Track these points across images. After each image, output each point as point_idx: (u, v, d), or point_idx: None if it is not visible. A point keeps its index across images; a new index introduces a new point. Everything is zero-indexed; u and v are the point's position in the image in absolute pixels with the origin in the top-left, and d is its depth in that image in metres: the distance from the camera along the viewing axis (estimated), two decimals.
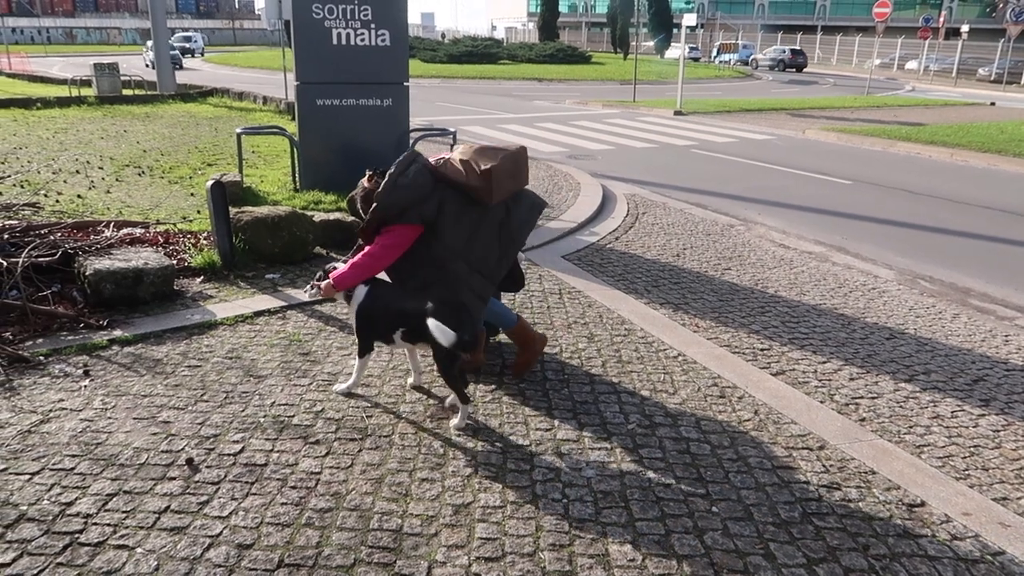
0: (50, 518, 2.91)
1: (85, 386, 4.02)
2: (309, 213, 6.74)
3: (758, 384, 4.30)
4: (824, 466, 3.46)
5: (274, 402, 3.89)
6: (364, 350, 3.93)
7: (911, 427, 3.88)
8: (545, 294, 5.72)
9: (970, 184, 11.60)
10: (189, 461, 3.32)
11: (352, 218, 6.95)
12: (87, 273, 5.06)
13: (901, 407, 4.10)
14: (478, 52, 47.21)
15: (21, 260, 5.09)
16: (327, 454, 3.43)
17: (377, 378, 4.21)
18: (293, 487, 3.17)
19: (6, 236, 5.57)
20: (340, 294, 3.90)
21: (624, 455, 3.50)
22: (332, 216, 6.89)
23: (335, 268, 3.92)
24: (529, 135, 16.02)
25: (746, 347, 4.86)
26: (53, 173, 9.70)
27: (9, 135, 13.09)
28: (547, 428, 3.72)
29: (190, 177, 9.66)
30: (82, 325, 4.78)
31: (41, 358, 4.33)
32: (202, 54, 37.92)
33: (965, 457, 3.61)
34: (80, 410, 3.76)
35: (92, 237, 6.02)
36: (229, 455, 3.39)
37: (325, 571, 2.69)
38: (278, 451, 3.44)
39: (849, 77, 42.01)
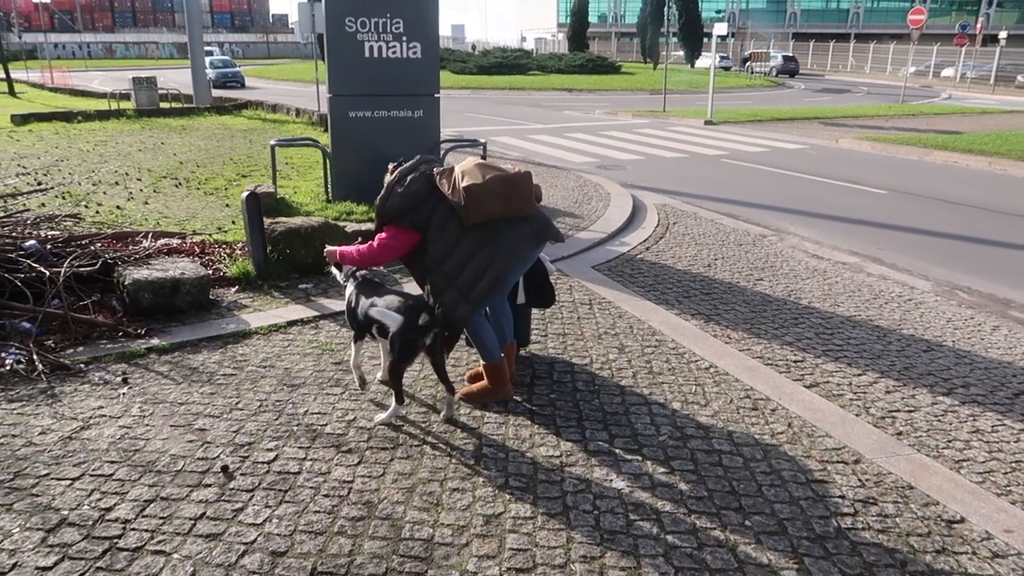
0: (90, 523, 2.97)
1: (124, 393, 4.10)
2: (341, 224, 6.83)
3: (791, 396, 4.25)
4: (860, 480, 3.41)
5: (307, 411, 3.93)
6: (355, 338, 4.10)
7: (950, 441, 3.80)
8: (575, 304, 5.71)
9: (1009, 193, 11.37)
10: (224, 468, 3.37)
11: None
12: (126, 283, 5.17)
13: (939, 421, 4.02)
14: (508, 63, 47.46)
15: (63, 270, 5.22)
16: (359, 463, 3.46)
17: (407, 387, 4.23)
18: (326, 495, 3.20)
19: (49, 246, 5.71)
20: (334, 268, 4.22)
21: (655, 467, 3.48)
22: (364, 226, 6.95)
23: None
24: (559, 145, 16.05)
25: (779, 359, 4.81)
26: (93, 185, 9.93)
27: (52, 148, 13.44)
28: (578, 439, 3.71)
29: (225, 188, 9.83)
30: (121, 334, 4.88)
31: (81, 366, 4.42)
32: (241, 84, 37.27)
33: (1007, 473, 3.53)
34: (119, 417, 3.84)
35: (131, 247, 6.16)
36: (263, 463, 3.44)
37: None
38: (311, 459, 3.48)
39: (883, 85, 41.45)
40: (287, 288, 5.90)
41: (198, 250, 6.56)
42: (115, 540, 2.87)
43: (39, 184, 9.81)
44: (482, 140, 9.71)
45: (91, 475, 3.31)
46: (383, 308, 3.78)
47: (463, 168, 3.84)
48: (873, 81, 45.58)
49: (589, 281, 6.32)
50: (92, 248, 5.85)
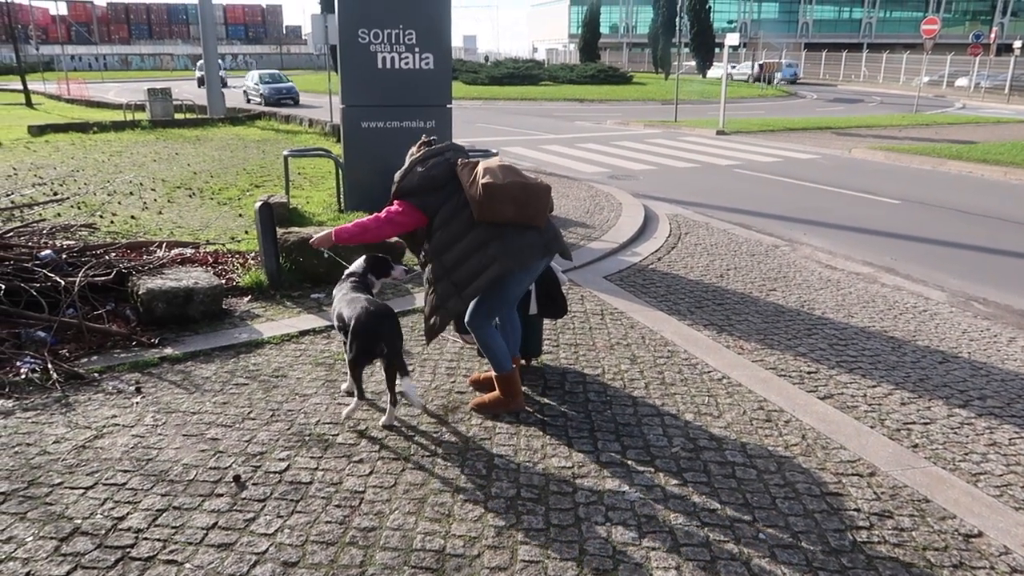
0: (103, 532, 2.98)
1: (137, 403, 4.12)
2: None
3: (805, 408, 4.21)
4: (875, 493, 3.37)
5: (319, 420, 3.93)
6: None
7: (966, 454, 3.76)
8: (587, 315, 5.70)
9: None
10: (236, 478, 3.37)
11: (396, 239, 7.04)
12: (140, 292, 5.21)
13: (955, 433, 3.98)
14: (519, 74, 47.64)
15: (78, 279, 5.26)
16: (371, 473, 3.45)
17: (420, 398, 4.23)
18: (337, 506, 3.19)
19: (64, 256, 5.76)
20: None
21: (668, 479, 3.45)
22: None
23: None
24: (571, 156, 16.06)
25: (792, 370, 4.77)
26: (108, 195, 10.02)
27: (68, 158, 13.58)
28: (590, 450, 3.69)
29: (238, 198, 9.89)
30: (134, 343, 4.91)
31: (95, 375, 4.45)
32: (296, 102, 32.05)
33: None
34: (132, 426, 3.85)
35: (145, 257, 6.20)
36: (275, 473, 3.44)
37: None
38: (323, 469, 3.48)
39: (896, 95, 41.29)
40: (299, 298, 5.92)
41: (211, 260, 6.60)
42: (128, 549, 2.88)
43: (55, 194, 9.90)
44: (494, 151, 9.72)
45: (104, 484, 3.32)
46: (348, 306, 3.85)
47: (487, 165, 3.83)
48: (886, 91, 45.42)
49: (601, 291, 6.31)
50: (107, 258, 5.90)
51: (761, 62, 48.41)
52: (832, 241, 8.68)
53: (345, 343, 3.91)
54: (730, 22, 66.62)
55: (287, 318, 5.48)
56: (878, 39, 68.48)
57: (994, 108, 33.73)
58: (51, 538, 2.93)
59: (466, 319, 4.03)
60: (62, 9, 75.95)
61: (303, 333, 5.19)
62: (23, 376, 4.36)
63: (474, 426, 3.93)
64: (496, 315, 4.05)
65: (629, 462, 3.59)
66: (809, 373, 4.73)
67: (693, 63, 53.60)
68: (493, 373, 4.08)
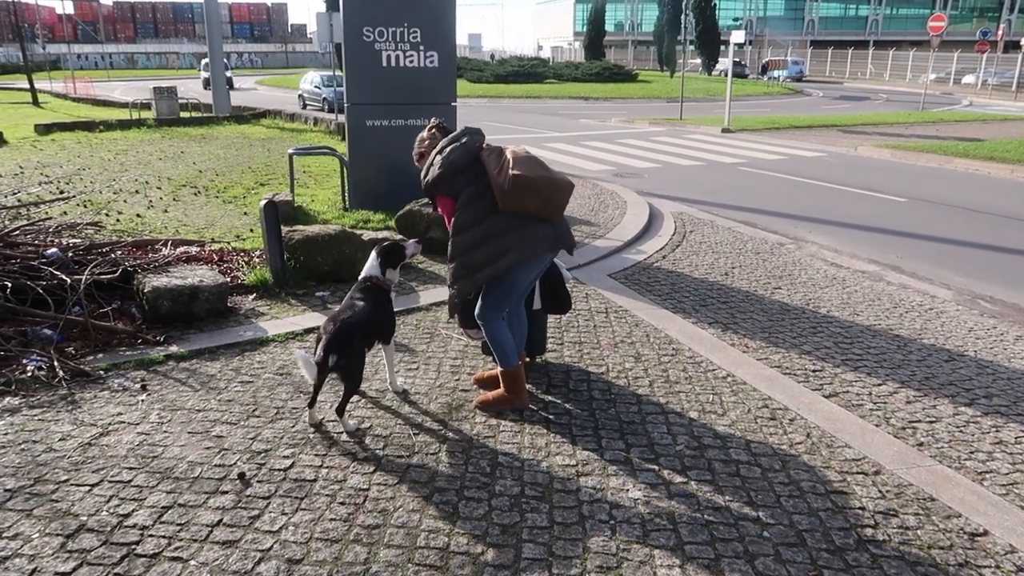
0: (108, 529, 2.99)
1: (142, 400, 4.13)
2: (358, 232, 6.85)
3: (810, 406, 4.20)
4: (880, 492, 3.36)
5: (323, 419, 3.94)
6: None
7: (972, 453, 3.75)
8: (591, 313, 5.70)
9: None
10: (241, 476, 3.38)
11: (400, 236, 7.05)
12: (145, 290, 5.22)
13: (961, 432, 3.97)
14: (524, 72, 47.59)
15: (84, 277, 5.27)
16: (375, 471, 3.46)
17: (424, 395, 4.24)
18: (342, 503, 3.20)
19: (70, 254, 5.78)
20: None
21: (672, 477, 3.45)
22: (381, 234, 6.99)
23: None
24: (575, 153, 16.05)
25: (797, 368, 4.76)
26: (114, 193, 10.05)
27: (74, 157, 13.62)
28: (594, 448, 3.69)
29: (243, 197, 9.91)
30: (140, 341, 4.93)
31: (101, 372, 4.47)
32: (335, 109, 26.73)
33: None
34: (137, 424, 3.87)
35: (150, 255, 6.22)
36: (279, 470, 3.45)
37: None
38: (327, 467, 3.48)
39: (903, 93, 41.15)
40: (304, 296, 5.93)
41: (216, 258, 6.62)
42: (133, 546, 2.89)
43: (61, 192, 9.94)
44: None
45: (110, 481, 3.33)
46: (329, 318, 3.91)
47: (515, 154, 3.84)
48: (893, 88, 45.27)
49: (605, 289, 6.31)
50: (112, 256, 5.92)
51: (765, 60, 48.32)
52: (838, 239, 8.66)
53: None
54: (736, 19, 66.45)
55: (292, 316, 5.49)
56: (884, 36, 68.22)
57: (1001, 105, 33.59)
58: (57, 535, 2.94)
59: (476, 312, 4.03)
60: (68, 8, 76.28)
61: (308, 331, 5.20)
62: (29, 374, 4.38)
63: (478, 424, 3.93)
64: (504, 308, 4.05)
65: (633, 460, 3.59)
66: (814, 371, 4.72)
67: (698, 60, 53.48)
68: (498, 369, 4.09)
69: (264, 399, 4.16)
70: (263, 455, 3.57)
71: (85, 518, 3.06)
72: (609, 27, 63.83)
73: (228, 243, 7.24)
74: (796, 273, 7.05)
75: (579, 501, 3.24)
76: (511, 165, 3.75)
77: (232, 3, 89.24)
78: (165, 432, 3.78)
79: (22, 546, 2.87)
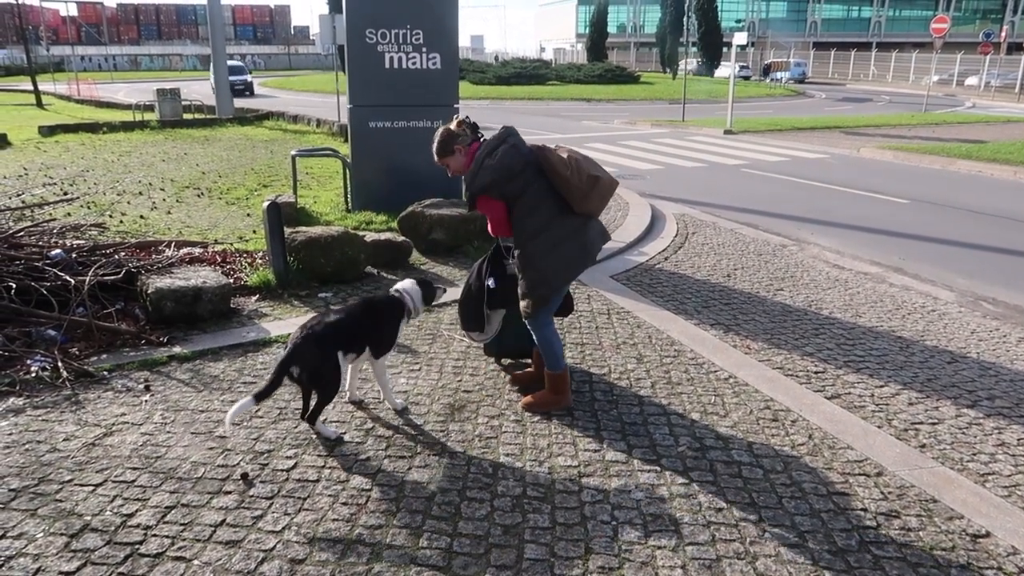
0: (112, 529, 3.00)
1: (146, 401, 4.15)
2: (361, 233, 6.87)
3: (812, 408, 4.21)
4: (882, 493, 3.37)
5: (326, 419, 3.94)
6: None
7: (975, 454, 3.75)
8: (594, 314, 5.70)
9: None
10: (244, 476, 3.39)
11: (403, 238, 7.06)
12: (149, 291, 5.24)
13: (964, 433, 3.97)
14: (527, 73, 47.62)
15: (88, 278, 5.29)
16: (377, 471, 3.47)
17: (427, 396, 4.25)
18: (344, 503, 3.21)
19: (74, 255, 5.80)
20: None
21: (674, 478, 3.46)
22: (383, 236, 7.00)
23: None
24: None
25: (800, 369, 4.76)
26: (118, 194, 10.07)
27: (78, 158, 13.66)
28: (596, 449, 3.70)
29: (246, 198, 9.93)
30: (143, 341, 4.94)
31: (105, 373, 4.48)
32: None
33: None
34: (141, 424, 3.88)
35: (154, 256, 6.24)
36: (282, 471, 3.46)
37: None
38: (330, 467, 3.49)
39: (905, 94, 41.12)
40: (307, 297, 5.94)
41: (219, 259, 6.63)
42: (137, 546, 2.90)
43: (65, 194, 9.96)
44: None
45: (113, 481, 3.34)
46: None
47: (576, 154, 3.85)
48: (895, 90, 45.24)
49: (608, 291, 6.31)
50: (116, 257, 5.94)
51: (768, 62, 48.28)
52: (840, 241, 8.66)
53: None
54: (738, 21, 66.44)
55: (295, 317, 5.50)
56: (887, 38, 68.16)
57: (1004, 107, 33.54)
58: (61, 534, 2.95)
59: (526, 315, 3.99)
60: (72, 10, 76.34)
61: None
62: (33, 374, 4.39)
63: (480, 425, 3.94)
64: (554, 308, 4.09)
65: (635, 461, 3.59)
66: (816, 373, 4.72)
67: (695, 63, 53.46)
68: (545, 370, 4.10)
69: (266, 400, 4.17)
70: (266, 455, 3.59)
71: (89, 518, 3.07)
72: (612, 29, 63.84)
73: (231, 244, 7.26)
74: (798, 275, 7.05)
75: (581, 502, 3.25)
76: (587, 167, 3.79)
77: (235, 5, 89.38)
78: (168, 432, 3.79)
79: (26, 545, 2.88)
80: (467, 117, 4.00)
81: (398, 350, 4.80)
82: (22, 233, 6.32)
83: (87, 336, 4.91)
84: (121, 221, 8.38)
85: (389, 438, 3.78)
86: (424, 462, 3.56)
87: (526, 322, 4.05)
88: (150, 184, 10.96)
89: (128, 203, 9.50)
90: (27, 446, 3.64)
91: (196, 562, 2.82)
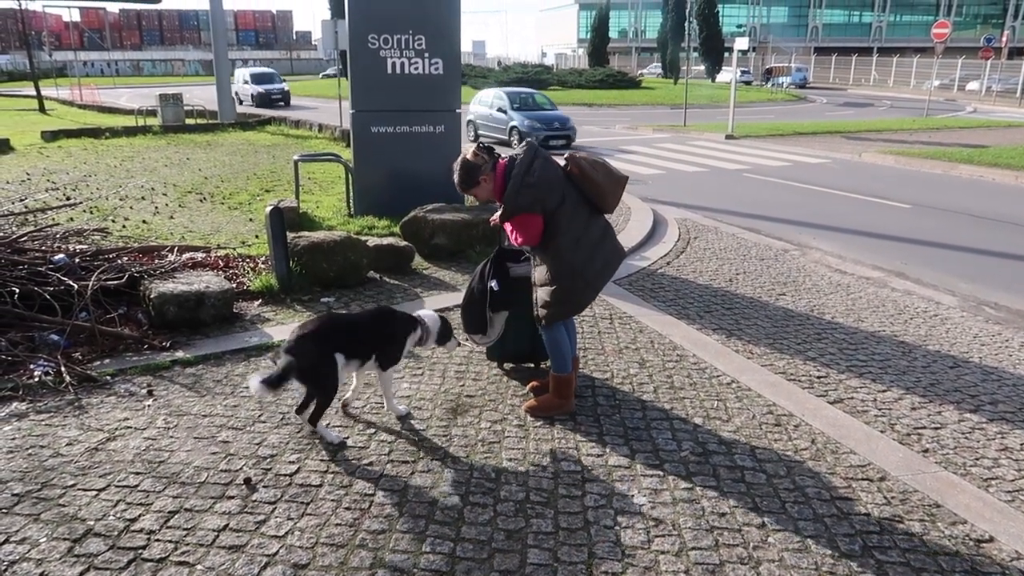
0: (115, 533, 3.00)
1: (149, 405, 4.15)
2: (363, 238, 6.88)
3: (815, 412, 4.20)
4: (886, 498, 3.36)
5: (328, 424, 3.95)
6: None
7: (977, 459, 3.74)
8: (596, 319, 5.71)
9: None
10: (247, 481, 3.40)
11: (405, 243, 7.07)
12: (151, 296, 5.24)
13: (966, 438, 3.96)
14: (528, 78, 47.58)
15: (91, 283, 5.30)
16: (380, 476, 3.47)
17: (429, 401, 4.25)
18: (347, 508, 3.21)
19: (77, 260, 5.81)
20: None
21: (677, 482, 3.45)
22: (385, 241, 7.01)
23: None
24: None
25: (802, 374, 4.76)
26: (120, 199, 10.09)
27: (80, 163, 13.68)
28: (599, 454, 3.70)
29: (249, 203, 9.95)
30: (146, 346, 4.95)
31: (108, 378, 4.49)
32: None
33: None
34: (144, 429, 3.88)
35: (156, 261, 6.25)
36: (285, 475, 3.46)
37: None
38: (333, 472, 3.49)
39: (907, 99, 41.13)
40: (309, 302, 5.95)
41: (222, 264, 6.64)
42: (140, 551, 2.90)
43: (68, 199, 9.98)
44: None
45: (117, 486, 3.34)
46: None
47: (598, 157, 3.95)
48: (896, 95, 45.26)
49: (610, 295, 6.31)
50: (119, 262, 5.95)
51: (769, 66, 48.31)
52: (842, 245, 8.66)
53: None
54: (739, 26, 66.57)
55: (297, 322, 5.48)
56: (888, 43, 68.20)
57: (1005, 112, 33.54)
58: (64, 539, 2.96)
59: (545, 318, 4.00)
60: (75, 15, 76.51)
61: None
62: (37, 379, 4.40)
63: (483, 430, 3.94)
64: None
65: (638, 466, 3.59)
66: (819, 377, 4.72)
67: (702, 67, 53.54)
68: (551, 373, 4.11)
69: (270, 404, 4.18)
70: (269, 460, 3.59)
71: (92, 523, 3.07)
72: (613, 34, 63.86)
73: (234, 249, 7.27)
74: (800, 279, 7.05)
75: (584, 507, 3.25)
76: (612, 168, 3.92)
77: (237, 10, 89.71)
78: (171, 437, 3.80)
79: (29, 550, 2.89)
80: (480, 143, 3.95)
81: None
82: (25, 238, 6.33)
83: (90, 341, 4.91)
84: (124, 226, 8.40)
85: (392, 443, 3.78)
86: (427, 467, 3.56)
87: (543, 324, 4.06)
88: (153, 189, 10.98)
89: (131, 208, 9.52)
90: (30, 451, 3.64)
91: (199, 567, 2.82)
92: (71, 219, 8.66)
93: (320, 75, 63.28)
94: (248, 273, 6.39)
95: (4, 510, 3.14)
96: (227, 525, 3.07)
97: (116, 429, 3.87)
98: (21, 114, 26.95)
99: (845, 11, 75.06)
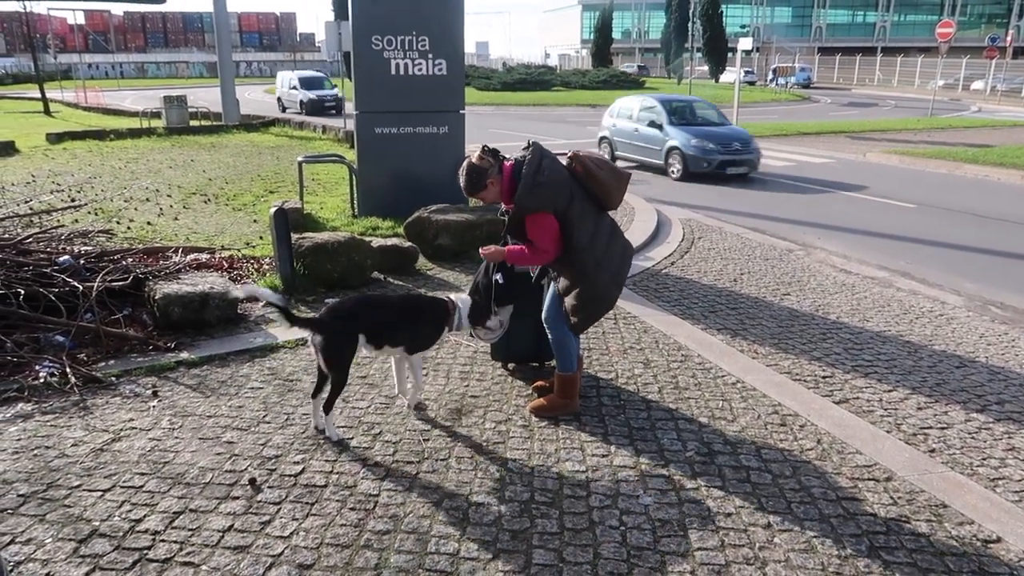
0: (120, 534, 3.00)
1: (154, 406, 4.16)
2: (367, 239, 6.88)
3: (820, 412, 4.19)
4: (892, 498, 3.35)
5: (333, 424, 3.94)
6: None
7: (984, 459, 3.73)
8: (600, 319, 5.69)
9: None
10: (252, 481, 3.39)
11: (409, 243, 7.07)
12: (156, 297, 5.25)
13: (973, 438, 3.95)
14: (532, 79, 47.71)
15: (96, 284, 5.31)
16: (385, 476, 3.46)
17: (433, 401, 4.24)
18: (352, 508, 3.21)
19: (82, 261, 5.82)
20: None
21: (682, 483, 3.44)
22: (389, 242, 7.01)
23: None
24: None
25: (807, 374, 4.75)
26: (125, 201, 10.11)
27: (85, 165, 13.72)
28: (604, 454, 3.69)
29: (253, 204, 9.96)
30: (151, 347, 4.95)
31: (113, 379, 4.49)
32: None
33: None
34: (149, 430, 3.88)
35: (161, 262, 6.26)
36: (290, 476, 3.46)
37: None
38: (337, 472, 3.49)
39: (911, 99, 41.04)
40: (314, 302, 5.95)
41: (227, 265, 6.65)
42: (145, 551, 2.90)
43: (73, 200, 10.01)
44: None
45: (122, 487, 3.35)
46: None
47: (599, 156, 3.95)
48: (901, 95, 45.17)
49: None
50: (124, 263, 5.96)
51: (774, 66, 48.26)
52: (847, 245, 8.64)
53: None
54: (743, 27, 66.48)
55: None
56: (892, 43, 67.99)
57: (1010, 111, 33.44)
58: (70, 540, 2.96)
59: (552, 316, 4.02)
60: (80, 18, 76.72)
61: None
62: (42, 380, 4.40)
63: (487, 430, 3.93)
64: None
65: (643, 466, 3.58)
66: (824, 377, 4.71)
67: (706, 68, 53.51)
68: (556, 372, 4.11)
69: (274, 405, 4.18)
70: (273, 461, 3.59)
71: (97, 523, 3.07)
72: (616, 35, 63.91)
73: (238, 250, 7.28)
74: (805, 279, 7.03)
75: (589, 507, 3.24)
76: (605, 163, 3.91)
77: (241, 12, 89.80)
78: (176, 438, 3.80)
79: (35, 551, 2.89)
80: (485, 146, 3.89)
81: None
82: (30, 240, 6.35)
83: (95, 342, 4.92)
84: (128, 227, 8.41)
85: (396, 443, 3.78)
86: (431, 467, 3.55)
87: (544, 321, 4.06)
88: (157, 190, 11.00)
89: (135, 209, 9.54)
90: (36, 452, 3.65)
91: (204, 567, 2.82)
92: (76, 221, 8.68)
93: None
94: (252, 274, 6.40)
95: (10, 511, 3.15)
96: (232, 526, 3.07)
97: (121, 430, 3.88)
98: (26, 116, 27.04)
99: (849, 11, 74.91)
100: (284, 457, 3.62)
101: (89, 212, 9.28)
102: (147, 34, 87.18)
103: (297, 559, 2.87)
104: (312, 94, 28.52)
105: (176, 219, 9.00)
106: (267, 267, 6.51)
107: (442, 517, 3.16)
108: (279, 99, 30.40)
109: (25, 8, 31.54)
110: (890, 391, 4.52)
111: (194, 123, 21.92)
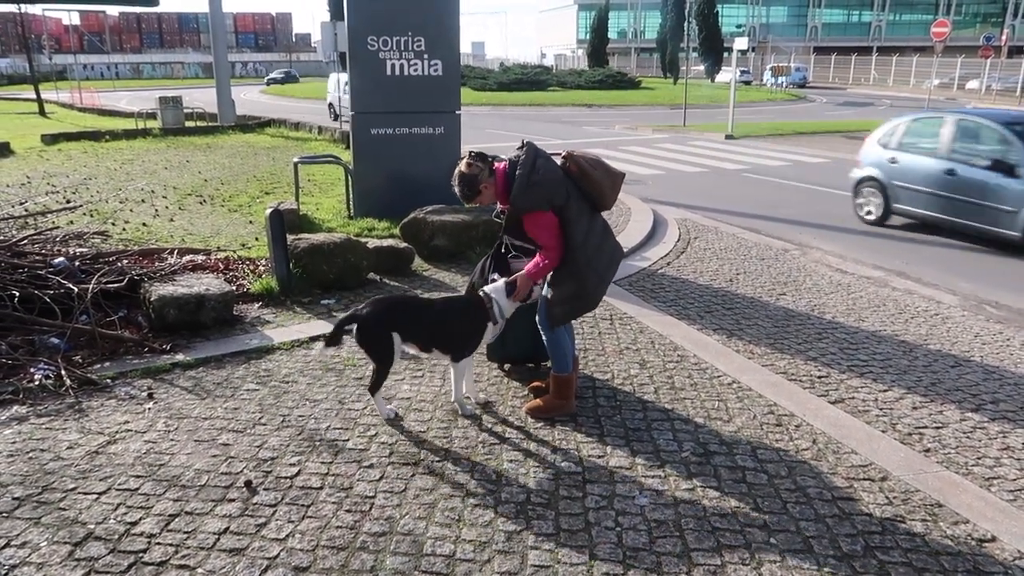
0: (116, 537, 3.00)
1: (149, 408, 4.15)
2: (363, 240, 6.87)
3: (816, 412, 4.20)
4: (887, 498, 3.36)
5: (329, 426, 3.95)
6: None
7: (979, 458, 3.74)
8: (596, 320, 5.70)
9: None
10: (247, 483, 3.39)
11: (405, 244, 7.07)
12: (152, 299, 5.24)
13: (968, 438, 3.96)
14: (528, 79, 47.65)
15: (91, 286, 5.30)
16: (381, 478, 3.46)
17: (430, 403, 4.24)
18: (348, 511, 3.20)
19: (77, 263, 5.81)
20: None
21: (678, 483, 3.45)
22: (385, 243, 7.01)
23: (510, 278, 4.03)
24: None
25: (803, 374, 4.76)
26: (120, 202, 10.09)
27: (80, 166, 13.69)
28: (599, 455, 3.69)
29: (249, 205, 9.95)
30: (146, 349, 4.94)
31: (108, 381, 4.48)
32: None
33: None
34: (144, 432, 3.88)
35: (156, 264, 6.25)
36: (286, 478, 3.45)
37: None
38: (333, 475, 3.49)
39: (906, 98, 41.11)
40: (309, 304, 5.94)
41: (222, 266, 6.64)
42: (140, 554, 2.90)
43: (68, 202, 9.99)
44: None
45: (117, 489, 3.34)
46: None
47: (594, 156, 3.95)
48: (896, 94, 45.24)
49: (610, 296, 6.28)
50: (119, 265, 5.95)
51: (771, 65, 48.30)
52: (842, 245, 8.65)
53: None
54: (738, 26, 66.55)
55: (297, 324, 5.50)
56: (888, 42, 68.12)
57: (1006, 110, 33.50)
58: (65, 543, 2.95)
59: (546, 318, 4.01)
60: (75, 19, 76.56)
61: (313, 339, 5.21)
62: (37, 382, 4.40)
63: (484, 431, 3.93)
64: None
65: (639, 467, 3.59)
66: (820, 377, 4.72)
67: (702, 67, 53.55)
68: (552, 373, 4.11)
69: (270, 407, 4.17)
70: (269, 463, 3.58)
71: (93, 526, 3.07)
72: (612, 35, 63.85)
73: (234, 252, 7.27)
74: (801, 279, 7.05)
75: (585, 508, 3.24)
76: (610, 165, 3.93)
77: (237, 13, 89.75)
78: (172, 440, 3.79)
79: (30, 554, 2.88)
80: (470, 152, 3.92)
81: (401, 356, 4.79)
82: (25, 241, 6.34)
83: (90, 344, 4.91)
84: (124, 229, 8.40)
85: (392, 444, 3.77)
86: (427, 469, 3.55)
87: (538, 322, 4.06)
88: (152, 192, 10.98)
89: (131, 211, 9.52)
90: (30, 454, 3.64)
91: (200, 570, 2.81)
92: (71, 222, 8.66)
93: (266, 79, 61.28)
94: (248, 275, 6.39)
95: (5, 514, 3.14)
96: (228, 528, 3.07)
97: (116, 432, 3.87)
98: (21, 117, 26.98)
99: (844, 10, 75.00)
100: (280, 459, 3.62)
101: (84, 214, 9.26)
102: (142, 35, 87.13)
103: (293, 561, 2.87)
104: None
105: (172, 220, 8.98)
106: (263, 268, 6.51)
107: (438, 519, 3.16)
108: (330, 105, 24.06)
109: (20, 9, 31.47)
110: (885, 391, 4.53)
111: (190, 124, 21.89)
